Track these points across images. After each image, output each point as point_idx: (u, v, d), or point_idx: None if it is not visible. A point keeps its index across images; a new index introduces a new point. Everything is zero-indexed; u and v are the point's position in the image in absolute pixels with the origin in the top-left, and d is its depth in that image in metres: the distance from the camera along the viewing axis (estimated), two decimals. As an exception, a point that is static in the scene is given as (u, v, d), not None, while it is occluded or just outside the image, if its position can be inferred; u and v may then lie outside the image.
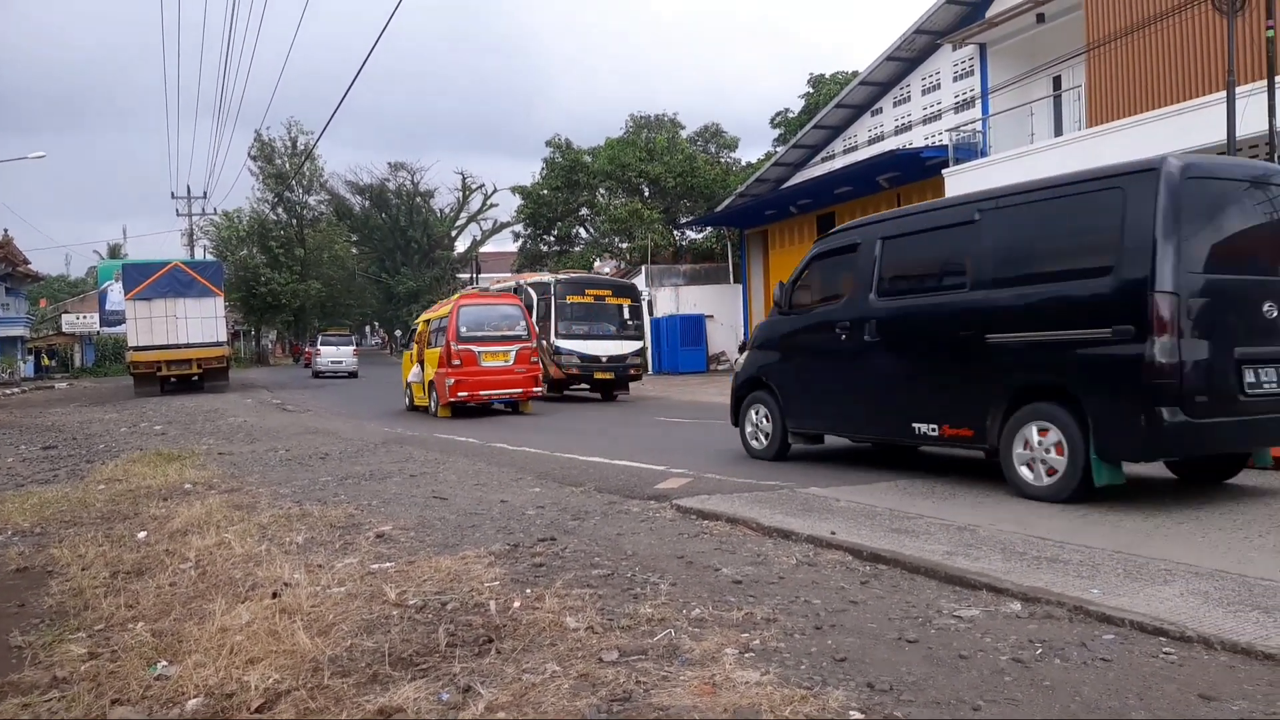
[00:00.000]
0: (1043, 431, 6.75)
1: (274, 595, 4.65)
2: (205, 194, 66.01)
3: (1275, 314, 6.44)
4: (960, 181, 22.93)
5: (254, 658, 3.81)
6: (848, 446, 10.15)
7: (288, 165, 60.54)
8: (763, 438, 9.66)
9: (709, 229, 42.38)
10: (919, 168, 24.25)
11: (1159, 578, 4.56)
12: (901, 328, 8.08)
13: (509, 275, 65.16)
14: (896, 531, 5.78)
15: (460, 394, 17.11)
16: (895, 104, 27.95)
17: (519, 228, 53.93)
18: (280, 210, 62.14)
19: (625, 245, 44.44)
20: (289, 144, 61.32)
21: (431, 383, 18.13)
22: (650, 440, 12.48)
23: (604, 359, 21.18)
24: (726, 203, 37.04)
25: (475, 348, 17.24)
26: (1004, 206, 7.42)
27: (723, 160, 48.85)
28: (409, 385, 20.18)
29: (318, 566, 5.26)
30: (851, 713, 3.10)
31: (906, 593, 4.58)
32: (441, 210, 73.89)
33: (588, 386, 22.14)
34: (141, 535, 6.59)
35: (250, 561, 5.45)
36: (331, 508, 7.24)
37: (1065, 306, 6.68)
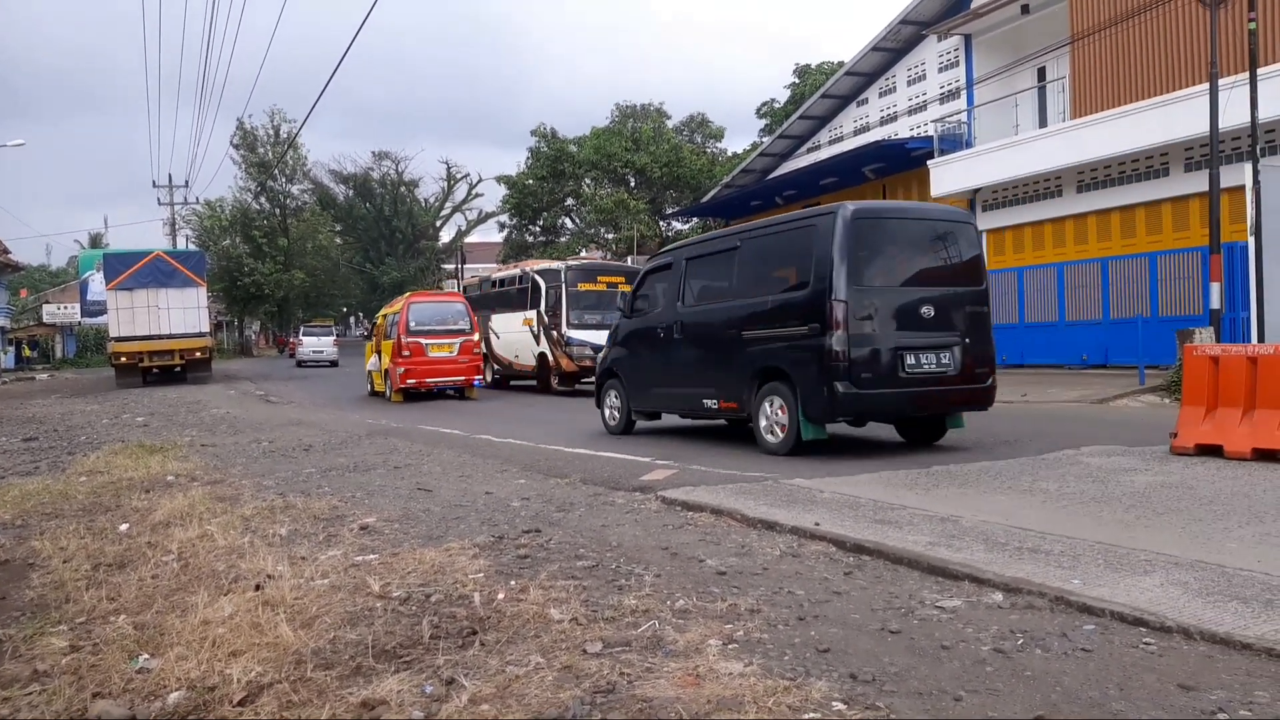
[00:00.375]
0: (775, 402, 9.08)
1: (257, 588, 4.63)
2: (187, 183, 65.36)
3: (932, 314, 8.75)
4: (945, 172, 23.03)
5: (236, 650, 3.80)
6: (694, 425, 12.23)
7: (271, 154, 60.08)
8: (615, 416, 11.94)
9: (695, 219, 42.40)
10: (904, 159, 24.31)
11: (1139, 568, 4.59)
12: (696, 328, 10.40)
13: (494, 264, 65.15)
14: (880, 522, 5.80)
15: (409, 381, 19.21)
16: (881, 94, 27.98)
17: (504, 218, 53.79)
18: (263, 199, 61.70)
19: (611, 236, 44.39)
20: (272, 132, 60.89)
21: (387, 370, 20.09)
22: (637, 431, 12.49)
23: None
24: (712, 193, 37.03)
25: (424, 340, 19.40)
26: (753, 236, 9.93)
27: (709, 150, 48.85)
28: (369, 373, 22.17)
29: (301, 559, 5.25)
30: (834, 703, 3.11)
31: (889, 583, 4.59)
32: (426, 200, 73.53)
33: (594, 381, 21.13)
34: (123, 528, 6.56)
35: (233, 554, 5.43)
36: (315, 500, 7.21)
37: (784, 311, 9.06)
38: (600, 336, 19.59)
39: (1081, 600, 4.08)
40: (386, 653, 3.75)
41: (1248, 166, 14.92)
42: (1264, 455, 7.77)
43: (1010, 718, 3.00)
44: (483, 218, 71.76)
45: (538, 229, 49.63)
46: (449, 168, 72.01)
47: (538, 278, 21.23)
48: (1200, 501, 6.29)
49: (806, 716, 3.01)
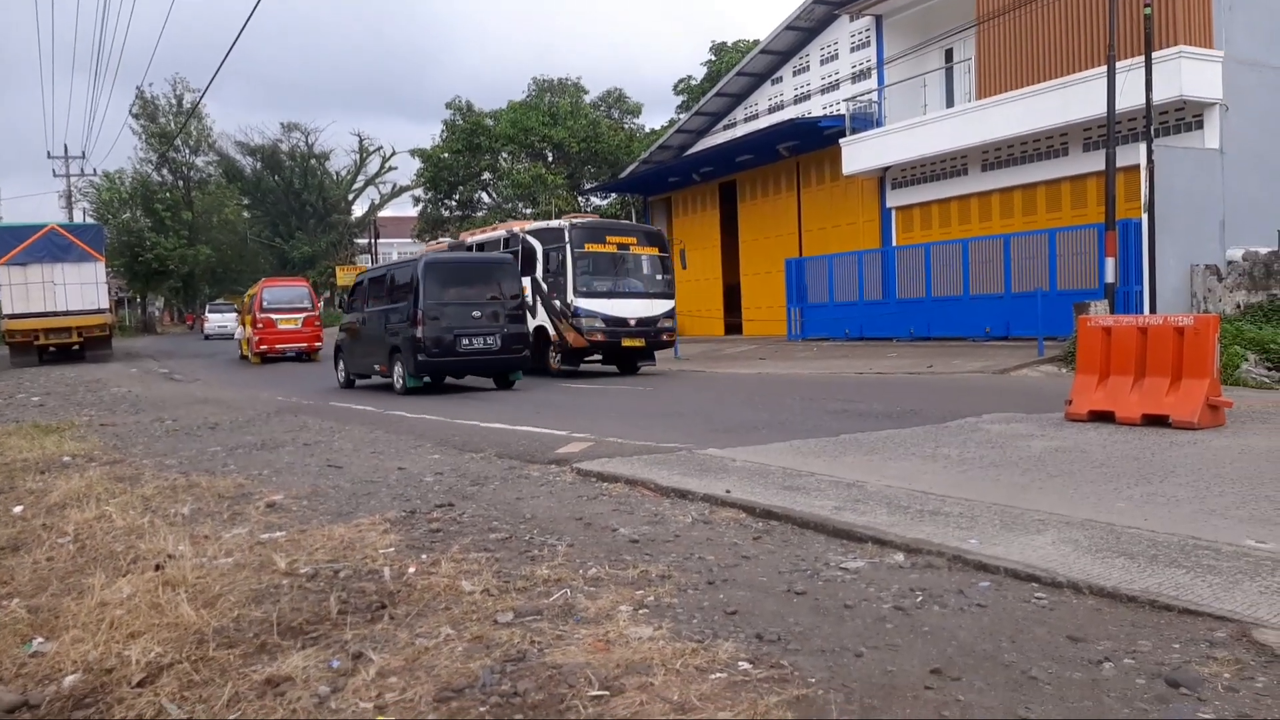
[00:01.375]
0: (398, 367, 14.92)
1: (157, 568, 4.50)
2: (84, 154, 62.34)
3: (480, 316, 14.72)
4: (856, 151, 23.43)
5: (135, 631, 3.70)
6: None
7: (173, 124, 57.75)
8: (342, 377, 17.52)
9: (613, 195, 42.26)
10: (817, 137, 24.62)
11: (1033, 527, 4.79)
12: (371, 322, 16.19)
13: (409, 239, 63.59)
14: (788, 489, 5.93)
15: (262, 347, 25.51)
16: (795, 73, 28.24)
17: (419, 192, 52.79)
18: (165, 171, 59.36)
19: (529, 211, 43.96)
20: (174, 102, 58.49)
21: (249, 339, 26.36)
22: (558, 405, 12.49)
23: (632, 322, 17.57)
24: (630, 169, 36.94)
25: (274, 315, 25.63)
26: (395, 267, 16.76)
27: (626, 126, 48.66)
28: (239, 341, 28.80)
29: (204, 538, 5.12)
30: (740, 663, 3.18)
31: (796, 547, 4.70)
32: (338, 173, 71.41)
33: (600, 357, 18.39)
34: (17, 510, 6.30)
35: (132, 534, 5.27)
36: (220, 478, 7.03)
37: (400, 314, 14.90)
38: (613, 306, 17.61)
39: (978, 559, 4.24)
40: (292, 629, 3.69)
41: (1142, 147, 15.55)
42: (1153, 420, 8.17)
43: (907, 671, 3.11)
44: (396, 191, 70.21)
45: (454, 203, 48.83)
46: (361, 140, 70.14)
47: (531, 240, 18.57)
48: (1092, 465, 6.58)
49: (713, 677, 3.07)
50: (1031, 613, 3.64)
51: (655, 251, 18.62)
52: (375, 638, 3.54)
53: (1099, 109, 15.64)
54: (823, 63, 27.09)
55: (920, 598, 3.82)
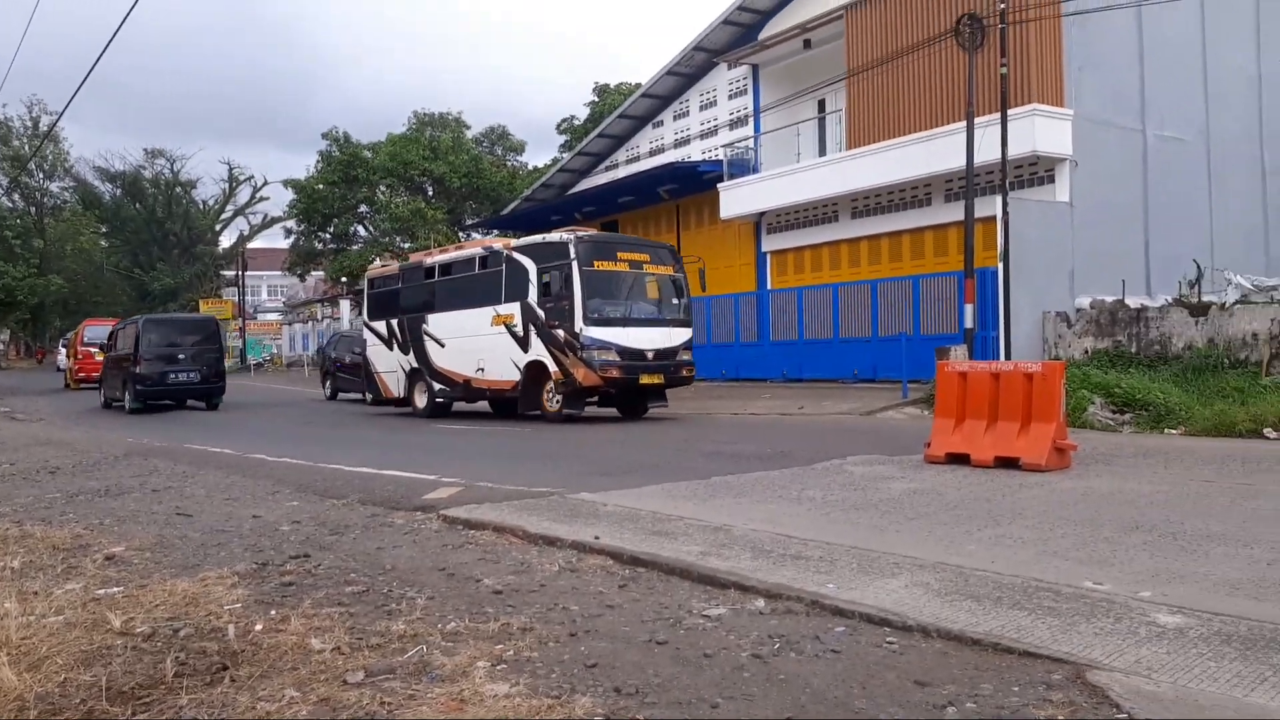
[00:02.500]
0: (128, 394, 21.22)
1: (-25, 629, 4.16)
2: (-75, 176, 58.25)
3: (184, 357, 21.31)
4: (733, 196, 24.01)
5: (-54, 701, 3.40)
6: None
7: (27, 147, 54.69)
8: (102, 400, 23.51)
9: (495, 232, 42.03)
10: (697, 181, 25.12)
11: (888, 571, 4.92)
12: (116, 359, 22.11)
13: (279, 271, 61.29)
14: (657, 534, 5.93)
15: (80, 375, 31.98)
16: (675, 117, 28.82)
17: (291, 223, 51.28)
18: (16, 197, 56.08)
19: (407, 245, 43.27)
20: (30, 124, 55.49)
21: (70, 369, 33.53)
22: (429, 448, 12.22)
23: (650, 355, 15.09)
24: (512, 206, 36.87)
25: (92, 349, 30.96)
26: (130, 322, 22.87)
27: (509, 163, 48.61)
28: (63, 371, 35.96)
29: (33, 594, 4.77)
30: (596, 718, 3.14)
31: (661, 594, 4.70)
32: (205, 202, 68.82)
33: (596, 400, 15.92)
34: None
35: (-50, 592, 4.86)
36: (56, 528, 6.59)
37: (130, 355, 21.03)
38: (628, 335, 14.94)
39: (834, 604, 4.33)
40: (123, 694, 3.46)
41: (999, 199, 16.43)
42: (1005, 463, 8.55)
43: (761, 722, 3.12)
44: (267, 223, 67.95)
45: (328, 236, 47.64)
46: (231, 169, 67.87)
47: (522, 258, 15.87)
48: (947, 507, 6.83)
49: (568, 734, 3.02)
50: (883, 658, 3.72)
51: (671, 271, 16.20)
52: (213, 702, 3.35)
53: (960, 162, 16.46)
54: (702, 108, 27.74)
55: (778, 645, 3.86)
